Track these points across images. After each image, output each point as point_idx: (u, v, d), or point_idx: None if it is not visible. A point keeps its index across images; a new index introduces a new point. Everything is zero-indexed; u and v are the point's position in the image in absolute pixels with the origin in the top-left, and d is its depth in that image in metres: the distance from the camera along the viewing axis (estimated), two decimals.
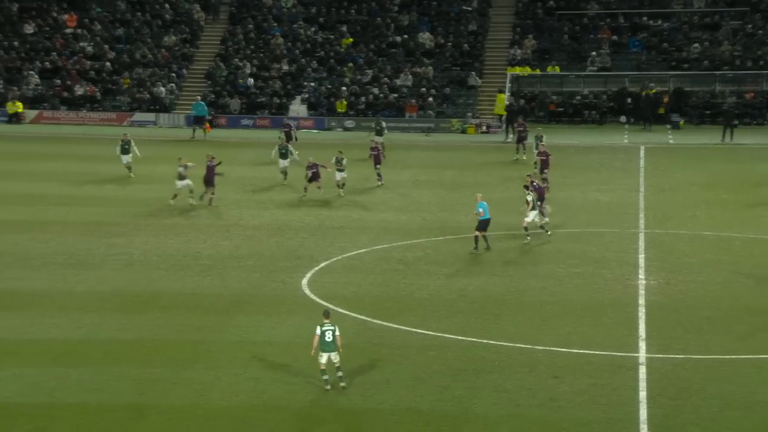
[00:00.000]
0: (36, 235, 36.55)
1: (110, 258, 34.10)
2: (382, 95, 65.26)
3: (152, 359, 25.39)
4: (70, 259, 33.83)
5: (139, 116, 63.56)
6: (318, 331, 23.24)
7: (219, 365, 24.91)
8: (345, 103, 64.48)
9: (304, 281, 31.80)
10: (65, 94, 64.70)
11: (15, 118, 61.85)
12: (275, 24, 70.04)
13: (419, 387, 23.75)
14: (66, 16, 69.15)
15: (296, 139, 53.34)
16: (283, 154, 46.34)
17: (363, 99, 65.04)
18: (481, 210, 34.51)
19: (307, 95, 65.49)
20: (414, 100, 64.31)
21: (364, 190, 45.31)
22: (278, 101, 65.34)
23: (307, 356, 23.92)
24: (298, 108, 65.13)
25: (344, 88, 65.35)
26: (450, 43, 68.06)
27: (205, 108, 60.46)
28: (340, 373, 23.34)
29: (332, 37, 69.12)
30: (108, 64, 66.70)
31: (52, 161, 49.51)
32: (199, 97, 62.25)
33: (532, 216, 35.93)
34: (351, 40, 68.66)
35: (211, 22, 70.21)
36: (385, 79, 66.22)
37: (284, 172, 46.23)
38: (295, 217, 39.96)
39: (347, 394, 23.38)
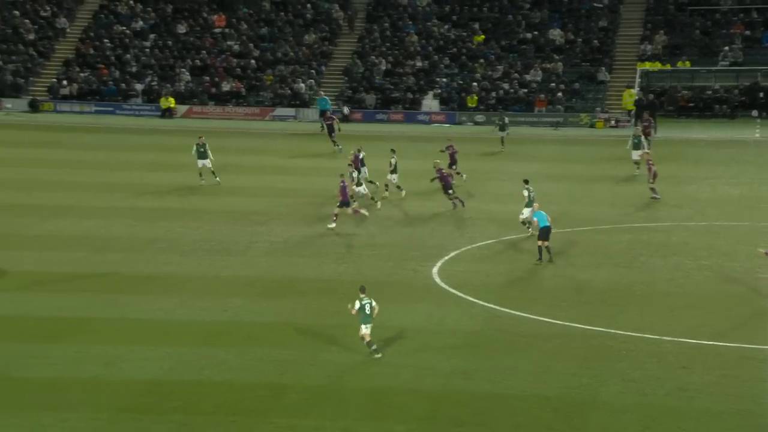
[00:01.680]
0: (187, 223, 37.57)
1: (253, 245, 34.83)
2: (512, 90, 64.87)
3: (292, 341, 25.88)
4: (217, 245, 34.68)
5: (280, 111, 64.64)
6: (357, 305, 24.45)
7: (354, 349, 25.22)
8: (476, 98, 64.32)
9: (435, 270, 31.92)
10: (213, 90, 66.22)
11: (168, 113, 63.61)
12: (410, 22, 70.28)
13: (546, 374, 23.63)
14: (215, 17, 70.73)
15: (339, 130, 53.03)
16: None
17: (493, 94, 64.76)
18: (535, 220, 32.87)
19: (439, 91, 65.54)
20: (543, 95, 63.72)
21: (493, 182, 45.14)
22: (411, 96, 65.57)
23: (437, 341, 24.00)
24: (430, 103, 65.22)
25: (475, 83, 65.18)
26: (580, 39, 67.20)
27: (328, 102, 60.92)
28: (374, 347, 24.49)
29: (464, 34, 69.01)
30: (253, 61, 68.00)
31: (216, 153, 50.76)
32: (322, 92, 62.78)
33: (526, 212, 34.95)
34: (483, 37, 68.44)
35: (349, 21, 70.86)
36: (515, 74, 65.80)
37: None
38: (426, 208, 40.09)
39: (476, 379, 23.43)
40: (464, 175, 43.94)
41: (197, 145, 43.28)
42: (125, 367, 24.15)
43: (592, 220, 36.76)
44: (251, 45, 68.94)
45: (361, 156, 41.94)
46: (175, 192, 42.69)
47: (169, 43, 69.00)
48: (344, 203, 36.61)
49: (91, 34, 68.99)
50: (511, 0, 70.23)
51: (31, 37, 68.33)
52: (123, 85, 65.61)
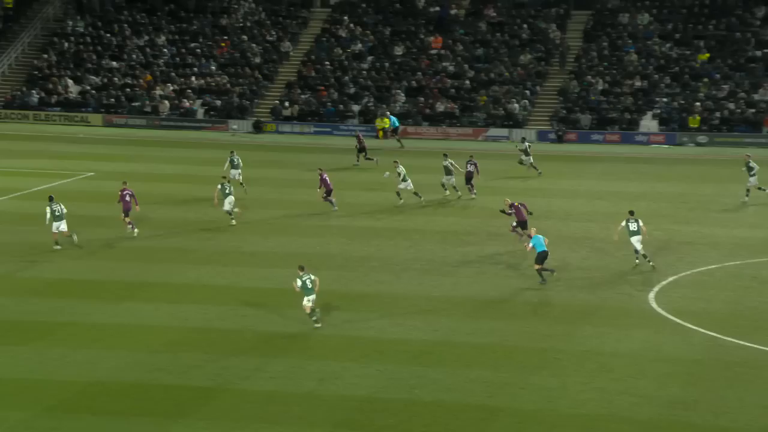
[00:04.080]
0: (399, 242, 37.93)
1: (464, 265, 34.76)
2: (738, 110, 62.33)
3: (502, 363, 25.60)
4: (427, 265, 34.82)
5: (493, 131, 64.51)
6: (299, 282, 28.00)
7: (566, 373, 24.69)
8: (698, 118, 62.16)
9: (652, 295, 30.90)
10: (427, 110, 66.85)
11: (383, 134, 64.63)
12: (630, 41, 68.79)
13: None
14: (432, 38, 71.47)
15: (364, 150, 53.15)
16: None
17: (717, 114, 62.40)
18: (532, 245, 32.18)
19: (658, 111, 63.74)
20: None
21: (715, 205, 43.37)
22: (629, 116, 64.06)
23: (654, 369, 23.14)
24: (648, 123, 63.51)
25: (698, 103, 63.00)
26: None
27: (396, 121, 62.30)
28: (315, 317, 27.96)
29: (688, 52, 66.95)
30: (467, 82, 68.24)
31: (417, 173, 51.22)
32: (388, 112, 63.73)
33: (635, 241, 33.32)
34: (707, 55, 66.18)
35: (565, 40, 70.07)
36: (742, 94, 63.20)
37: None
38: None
39: (697, 410, 22.44)
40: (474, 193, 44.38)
41: (230, 158, 46.20)
42: (339, 383, 24.52)
43: None
44: (466, 66, 69.22)
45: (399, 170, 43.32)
46: (387, 211, 43.21)
47: (386, 64, 70.19)
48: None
49: (313, 57, 71.08)
50: (740, 17, 67.62)
51: (257, 60, 71.06)
52: (341, 106, 67.21)
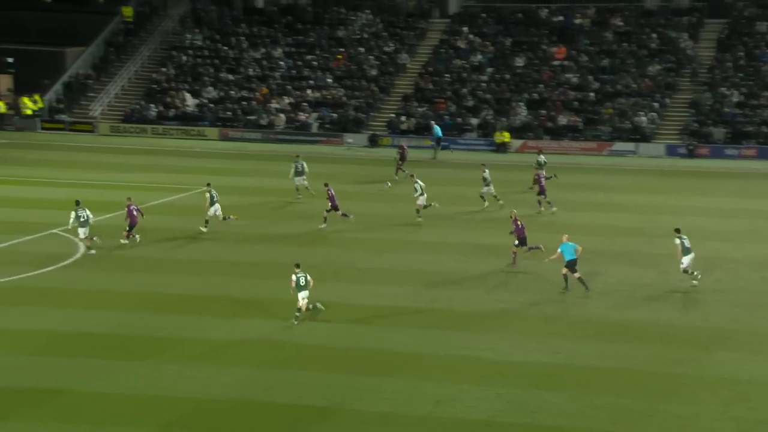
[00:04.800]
0: (517, 260, 37.74)
1: (589, 286, 34.32)
2: None
3: (627, 389, 25.20)
4: (548, 284, 34.48)
5: (618, 145, 63.63)
6: (294, 278, 30.11)
7: (698, 401, 24.17)
8: None
9: None
10: (549, 124, 66.37)
11: (502, 147, 64.44)
12: None
13: None
14: (555, 49, 71.00)
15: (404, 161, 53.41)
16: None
17: None
18: (560, 251, 33.03)
19: None
20: None
21: None
22: (766, 130, 62.42)
23: None
24: None
25: None
26: None
27: (439, 132, 61.91)
28: (311, 306, 30.32)
29: None
30: (591, 94, 67.54)
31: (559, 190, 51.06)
32: (432, 122, 63.31)
33: (686, 260, 33.39)
34: None
35: (698, 49, 68.76)
36: None
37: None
38: None
39: None
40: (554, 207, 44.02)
41: (295, 164, 47.42)
42: (457, 405, 24.46)
43: None
44: (590, 77, 68.51)
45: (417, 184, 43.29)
46: (502, 227, 42.98)
47: (507, 76, 69.96)
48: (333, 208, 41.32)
49: (431, 69, 71.31)
50: None
51: (374, 73, 71.65)
52: (459, 120, 67.22)
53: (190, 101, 70.46)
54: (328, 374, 26.43)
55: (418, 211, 43.44)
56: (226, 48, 74.59)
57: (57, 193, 48.56)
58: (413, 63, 72.43)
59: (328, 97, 70.07)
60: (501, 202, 45.53)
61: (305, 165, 47.82)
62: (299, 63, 72.95)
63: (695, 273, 34.11)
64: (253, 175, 54.49)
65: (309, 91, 70.48)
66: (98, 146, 63.15)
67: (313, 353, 28.10)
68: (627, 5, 73.28)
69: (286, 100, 69.95)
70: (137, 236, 38.96)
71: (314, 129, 67.91)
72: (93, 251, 37.78)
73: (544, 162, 50.27)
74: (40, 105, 69.48)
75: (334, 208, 41.80)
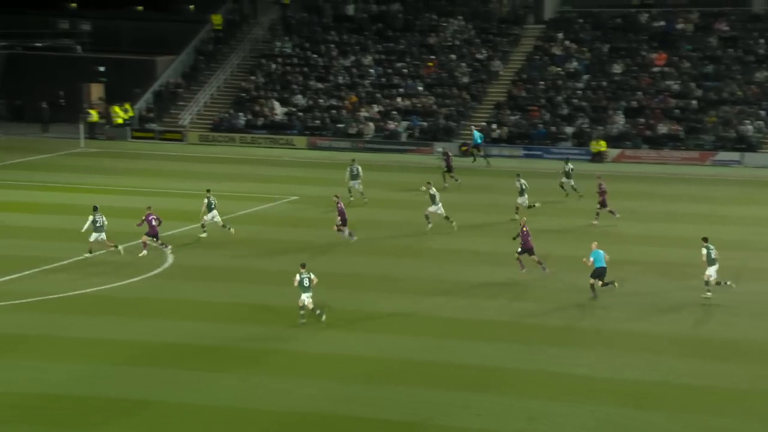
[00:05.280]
0: (614, 273, 37.43)
1: (687, 300, 33.93)
2: None
3: (727, 409, 24.99)
4: (645, 299, 34.23)
5: (722, 155, 62.70)
6: (298, 277, 31.02)
7: None
8: None
9: None
10: (648, 132, 65.68)
11: (597, 157, 63.95)
12: None
13: None
14: (655, 55, 70.26)
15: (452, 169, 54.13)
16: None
17: None
18: (592, 259, 33.69)
19: None
20: None
21: None
22: None
23: None
24: None
25: None
26: None
27: (479, 138, 62.56)
28: (318, 311, 31.29)
29: None
30: (694, 102, 66.67)
31: (630, 199, 50.47)
32: (473, 127, 63.99)
33: (712, 271, 33.37)
34: None
35: None
36: None
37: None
38: None
39: None
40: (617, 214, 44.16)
41: (350, 168, 49.43)
42: (550, 423, 24.43)
43: None
44: (693, 84, 67.64)
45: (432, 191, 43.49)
46: (601, 239, 42.68)
47: (603, 83, 69.45)
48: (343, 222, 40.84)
49: (524, 76, 71.16)
50: None
51: (465, 80, 71.75)
52: (553, 128, 66.94)
53: (279, 110, 71.39)
54: (414, 389, 26.57)
55: (427, 217, 43.45)
56: (315, 56, 75.42)
57: (146, 202, 49.57)
58: (506, 70, 72.35)
59: (418, 105, 70.36)
60: (521, 212, 45.03)
61: (360, 169, 49.45)
62: (389, 71, 73.42)
63: (728, 283, 33.93)
64: (341, 185, 54.92)
65: (399, 99, 70.87)
66: (187, 155, 64.36)
67: (400, 367, 28.27)
68: (733, 9, 72.20)
69: (376, 108, 70.44)
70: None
71: (403, 138, 68.24)
72: (89, 255, 38.60)
73: (571, 170, 50.48)
74: (130, 114, 71.09)
75: (343, 222, 41.09)
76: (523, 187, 45.98)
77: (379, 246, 41.68)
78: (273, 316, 32.64)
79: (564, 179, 50.69)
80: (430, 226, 43.56)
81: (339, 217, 41.25)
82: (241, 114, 71.19)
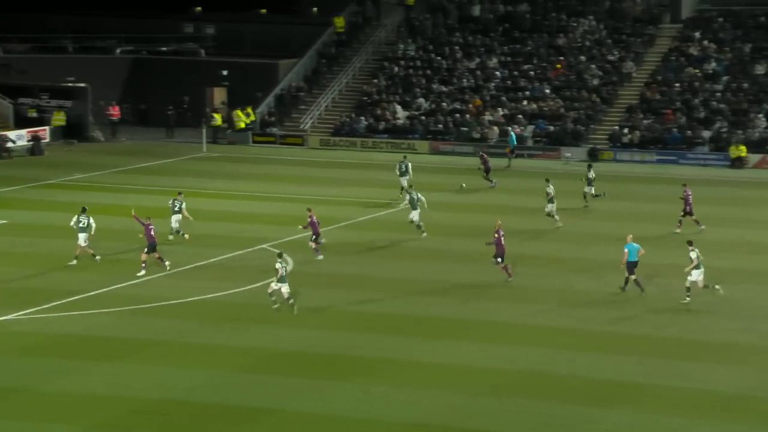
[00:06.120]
0: (752, 286, 36.60)
1: None
2: None
3: None
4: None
5: None
6: (278, 265, 32.99)
7: None
8: None
9: None
10: None
11: (737, 163, 62.40)
12: None
13: None
14: None
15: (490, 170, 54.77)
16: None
17: None
18: (626, 250, 34.51)
19: None
20: None
21: None
22: None
23: None
24: None
25: None
26: None
27: (515, 139, 63.35)
28: (291, 301, 33.17)
29: None
30: None
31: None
32: (509, 129, 64.89)
33: (696, 275, 33.76)
34: None
35: None
36: None
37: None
38: None
39: None
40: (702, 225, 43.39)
41: (399, 164, 51.48)
42: None
43: None
44: None
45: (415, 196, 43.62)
46: (739, 250, 41.73)
47: (744, 85, 67.81)
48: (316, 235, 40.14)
49: (659, 78, 69.94)
50: None
51: (595, 82, 70.85)
52: (689, 132, 65.58)
53: (401, 113, 71.60)
54: (543, 402, 26.33)
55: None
56: (439, 58, 75.44)
57: (267, 207, 50.33)
58: (639, 72, 71.21)
59: (545, 108, 69.78)
60: (559, 224, 44.84)
61: (410, 166, 51.33)
62: (515, 73, 72.99)
63: (716, 287, 34.22)
64: (466, 192, 54.73)
65: (525, 103, 70.39)
66: (308, 160, 65.05)
67: (528, 380, 28.05)
68: None
69: (500, 111, 70.08)
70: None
71: (529, 142, 67.74)
72: (98, 257, 38.99)
73: (593, 178, 49.76)
74: (252, 118, 72.17)
75: (316, 234, 40.17)
76: (553, 193, 45.40)
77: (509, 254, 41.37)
78: (396, 325, 32.71)
79: (586, 188, 49.74)
80: (424, 234, 43.30)
81: (311, 230, 40.04)
82: (362, 118, 71.63)
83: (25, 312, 33.57)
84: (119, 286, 36.59)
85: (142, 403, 26.45)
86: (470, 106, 71.09)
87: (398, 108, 71.90)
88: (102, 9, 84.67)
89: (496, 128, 68.64)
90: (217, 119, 72.16)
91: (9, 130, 66.78)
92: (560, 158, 65.55)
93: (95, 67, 76.16)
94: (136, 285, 36.77)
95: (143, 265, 37.86)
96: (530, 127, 68.47)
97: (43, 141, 66.83)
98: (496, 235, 36.96)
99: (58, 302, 34.62)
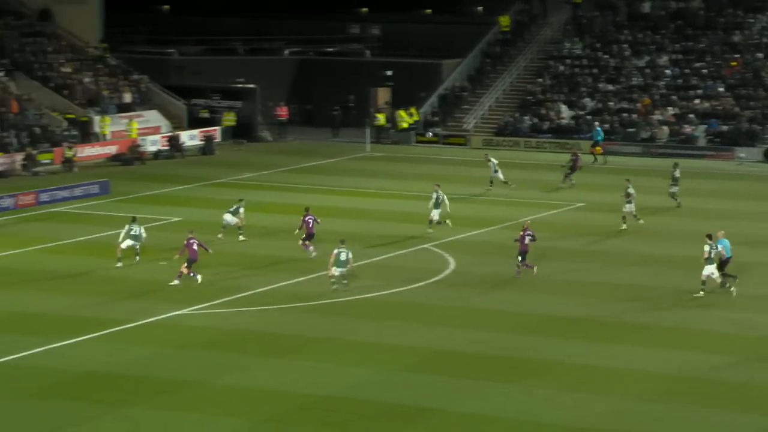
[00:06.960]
0: None
1: None
2: None
3: None
4: None
5: None
6: (335, 251, 34.85)
7: None
8: None
9: None
10: None
11: None
12: None
13: None
14: None
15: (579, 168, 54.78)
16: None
17: None
18: (721, 247, 34.45)
19: None
20: None
21: None
22: None
23: None
24: None
25: None
26: None
27: (601, 133, 63.18)
28: (345, 281, 35.32)
29: None
30: None
31: None
32: (596, 124, 64.81)
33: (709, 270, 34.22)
34: None
35: None
36: None
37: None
38: None
39: None
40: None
41: (491, 162, 53.06)
42: None
43: None
44: None
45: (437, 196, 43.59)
46: None
47: None
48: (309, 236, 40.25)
49: None
50: None
51: None
52: None
53: (566, 113, 71.13)
54: (720, 410, 26.05)
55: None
56: (606, 56, 74.62)
57: (425, 207, 50.75)
58: None
59: (719, 107, 68.29)
60: (641, 221, 44.84)
61: (496, 163, 52.99)
62: (686, 71, 71.68)
63: (731, 290, 34.59)
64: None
65: (696, 101, 69.04)
66: (470, 160, 65.19)
67: (701, 386, 27.72)
68: None
69: (671, 111, 68.94)
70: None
71: (701, 142, 66.40)
72: (120, 264, 38.88)
73: (679, 177, 48.82)
74: (415, 118, 72.83)
75: (309, 236, 39.95)
76: (634, 193, 44.95)
77: (658, 255, 40.80)
78: (555, 327, 32.68)
79: (672, 188, 48.76)
80: (430, 231, 43.56)
81: (304, 230, 40.09)
82: (526, 118, 71.45)
83: (196, 307, 34.79)
84: (284, 284, 37.52)
85: (308, 399, 27.10)
86: (639, 105, 70.13)
87: (563, 107, 71.46)
88: (271, 11, 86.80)
89: (665, 128, 67.55)
90: (381, 119, 73.07)
91: (182, 131, 69.13)
92: (733, 159, 64.09)
93: (264, 68, 78.13)
94: (298, 284, 37.64)
95: (179, 275, 36.94)
96: (702, 127, 67.13)
97: (214, 141, 68.96)
98: (522, 233, 37.52)
99: (227, 298, 35.78)
